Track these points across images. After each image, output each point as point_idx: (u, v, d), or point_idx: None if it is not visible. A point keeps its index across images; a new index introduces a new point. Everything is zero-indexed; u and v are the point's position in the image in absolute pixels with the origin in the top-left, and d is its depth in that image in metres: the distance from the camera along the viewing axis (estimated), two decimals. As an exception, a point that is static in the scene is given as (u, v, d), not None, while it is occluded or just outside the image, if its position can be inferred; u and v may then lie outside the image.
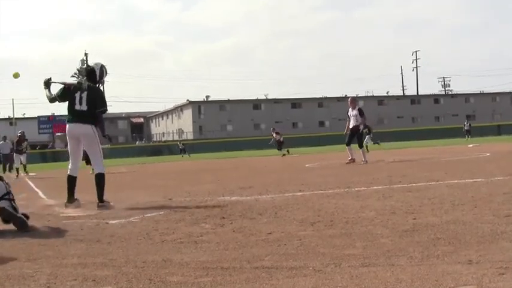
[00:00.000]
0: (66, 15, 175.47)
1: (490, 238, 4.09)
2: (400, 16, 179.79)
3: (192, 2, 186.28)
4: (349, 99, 17.99)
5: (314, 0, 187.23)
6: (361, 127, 17.13)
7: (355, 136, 16.94)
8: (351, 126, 16.96)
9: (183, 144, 52.50)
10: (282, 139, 33.21)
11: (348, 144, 16.98)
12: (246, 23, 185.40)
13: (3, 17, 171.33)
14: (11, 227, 6.15)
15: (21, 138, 23.82)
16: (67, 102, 7.79)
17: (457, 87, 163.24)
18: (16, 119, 53.16)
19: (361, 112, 17.00)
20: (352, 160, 16.62)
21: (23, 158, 23.67)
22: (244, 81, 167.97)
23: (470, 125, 50.36)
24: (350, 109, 17.13)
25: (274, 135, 33.71)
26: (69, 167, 7.95)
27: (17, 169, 23.56)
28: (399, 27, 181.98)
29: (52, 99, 7.96)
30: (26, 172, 23.46)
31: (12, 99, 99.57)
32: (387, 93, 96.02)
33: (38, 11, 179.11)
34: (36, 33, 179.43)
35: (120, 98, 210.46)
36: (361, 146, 17.10)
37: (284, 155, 31.12)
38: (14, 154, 23.80)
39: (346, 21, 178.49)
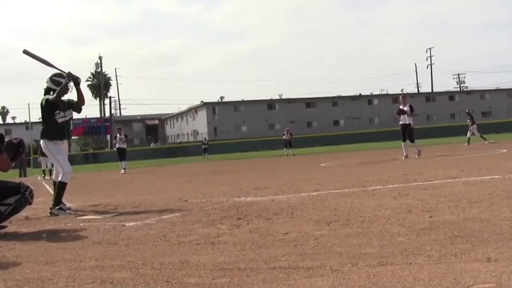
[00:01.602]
0: (86, 19, 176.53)
1: (509, 235, 4.06)
2: (414, 14, 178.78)
3: (210, 5, 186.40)
4: (400, 97, 18.89)
5: (330, 1, 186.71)
6: (412, 122, 18.04)
7: (408, 132, 17.89)
8: (401, 123, 18.04)
9: (207, 143, 52.38)
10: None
11: (404, 141, 17.95)
12: (261, 24, 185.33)
13: (22, 20, 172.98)
14: (29, 230, 6.22)
15: None
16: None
17: (472, 84, 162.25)
18: (32, 123, 53.50)
19: (411, 108, 18.08)
20: (406, 156, 17.45)
21: (48, 161, 23.84)
22: (258, 82, 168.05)
23: None
24: (401, 105, 18.21)
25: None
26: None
27: (44, 171, 24.14)
28: (413, 25, 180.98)
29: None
30: (50, 176, 23.54)
31: (28, 104, 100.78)
32: (402, 91, 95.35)
33: (57, 15, 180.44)
34: (56, 37, 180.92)
35: (135, 100, 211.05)
36: (412, 141, 17.90)
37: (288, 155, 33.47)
38: (41, 157, 24.42)
39: (360, 20, 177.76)
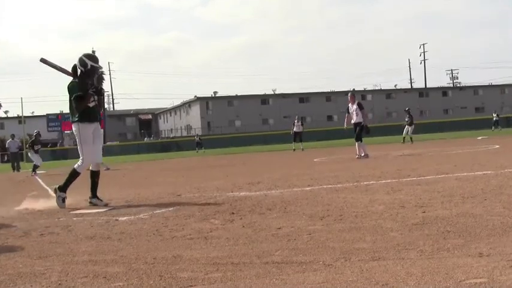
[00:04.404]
0: (81, 13, 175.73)
1: (501, 231, 4.07)
2: (408, 10, 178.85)
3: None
4: (348, 95, 18.00)
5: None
6: (363, 121, 17.04)
7: (358, 129, 16.91)
8: (354, 122, 17.14)
9: (200, 138, 52.34)
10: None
11: (357, 140, 16.94)
12: (255, 19, 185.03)
13: (18, 15, 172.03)
14: (22, 224, 6.20)
15: (38, 139, 24.17)
16: None
17: (465, 80, 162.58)
18: (25, 117, 53.34)
19: (360, 106, 17.23)
20: (360, 156, 16.70)
21: (39, 158, 23.62)
22: (252, 77, 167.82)
23: (498, 115, 50.49)
24: (350, 104, 17.36)
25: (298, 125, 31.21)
26: None
27: (34, 166, 23.91)
28: (407, 21, 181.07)
29: None
30: (34, 172, 23.09)
31: (21, 98, 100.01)
32: (395, 86, 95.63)
33: (53, 9, 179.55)
34: (49, 31, 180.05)
35: (129, 95, 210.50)
36: (357, 140, 16.90)
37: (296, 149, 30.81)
38: (31, 153, 24.17)
39: (354, 16, 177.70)
